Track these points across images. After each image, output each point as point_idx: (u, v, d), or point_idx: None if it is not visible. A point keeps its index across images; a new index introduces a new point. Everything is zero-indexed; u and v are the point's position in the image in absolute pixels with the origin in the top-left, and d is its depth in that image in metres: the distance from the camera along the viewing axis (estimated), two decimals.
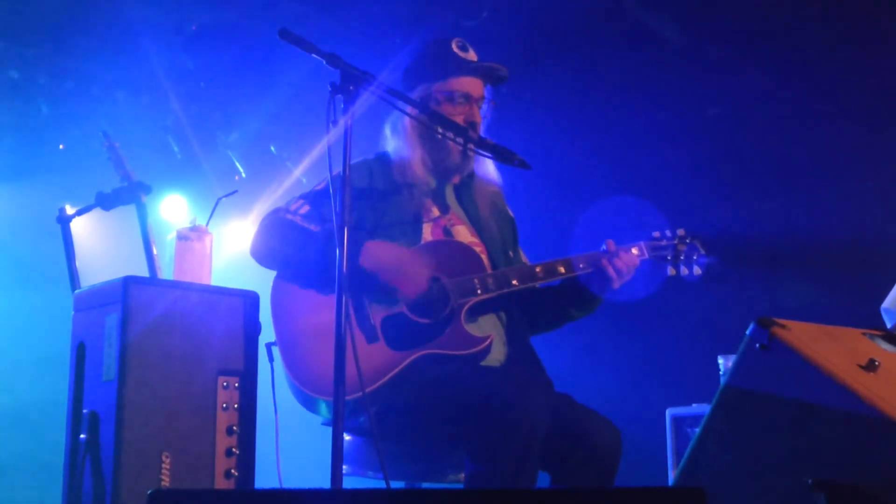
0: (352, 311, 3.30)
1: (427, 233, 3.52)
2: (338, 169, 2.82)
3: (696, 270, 3.66)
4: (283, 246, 3.41)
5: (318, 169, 6.00)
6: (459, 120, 3.44)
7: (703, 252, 3.67)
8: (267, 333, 3.39)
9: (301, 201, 3.48)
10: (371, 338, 3.31)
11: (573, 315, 3.68)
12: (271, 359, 3.39)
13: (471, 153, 3.50)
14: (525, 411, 3.05)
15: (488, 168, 3.70)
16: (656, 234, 3.66)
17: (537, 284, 3.52)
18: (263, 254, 3.47)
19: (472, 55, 3.59)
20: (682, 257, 3.64)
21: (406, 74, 3.61)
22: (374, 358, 3.26)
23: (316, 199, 3.47)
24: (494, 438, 3.04)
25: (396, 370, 3.26)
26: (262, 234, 3.47)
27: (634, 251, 3.58)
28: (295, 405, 3.37)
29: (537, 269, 3.47)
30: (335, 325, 2.69)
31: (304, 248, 3.35)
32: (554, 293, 3.67)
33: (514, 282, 3.44)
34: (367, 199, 3.48)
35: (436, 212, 3.57)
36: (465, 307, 3.38)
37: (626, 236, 3.64)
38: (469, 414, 3.11)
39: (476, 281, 3.40)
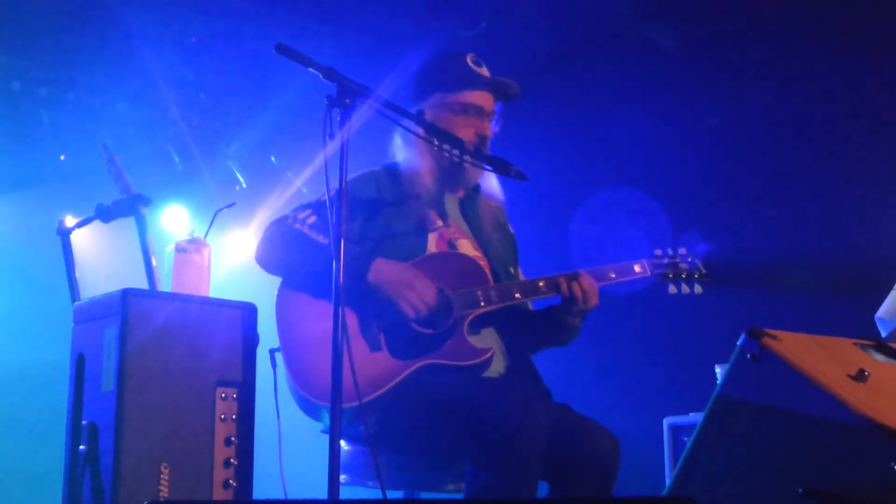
0: (355, 320, 3.32)
1: (432, 244, 3.53)
2: (337, 183, 2.82)
3: (697, 289, 3.69)
4: (290, 256, 3.43)
5: (318, 179, 5.96)
6: (471, 132, 3.48)
7: (701, 261, 3.69)
8: (266, 344, 3.40)
9: (308, 211, 3.49)
10: (374, 346, 3.33)
11: (541, 344, 3.67)
12: (274, 365, 3.39)
13: (468, 165, 3.52)
14: (526, 422, 3.06)
15: (492, 183, 3.72)
16: (658, 251, 3.69)
17: (531, 302, 3.53)
18: (269, 261, 3.49)
19: (485, 71, 3.62)
20: (683, 275, 3.67)
21: (419, 83, 3.62)
22: (376, 366, 3.28)
23: (322, 209, 3.47)
24: (495, 449, 3.05)
25: (398, 379, 3.28)
26: (269, 242, 3.48)
27: (637, 268, 3.61)
28: (295, 414, 3.38)
29: (540, 283, 3.48)
30: (332, 334, 2.71)
31: (312, 259, 3.36)
32: (531, 317, 3.67)
33: (518, 294, 3.45)
34: (373, 210, 3.50)
35: (440, 223, 3.58)
36: (468, 319, 3.39)
37: (629, 252, 3.68)
38: (470, 424, 3.13)
39: (479, 293, 3.42)
